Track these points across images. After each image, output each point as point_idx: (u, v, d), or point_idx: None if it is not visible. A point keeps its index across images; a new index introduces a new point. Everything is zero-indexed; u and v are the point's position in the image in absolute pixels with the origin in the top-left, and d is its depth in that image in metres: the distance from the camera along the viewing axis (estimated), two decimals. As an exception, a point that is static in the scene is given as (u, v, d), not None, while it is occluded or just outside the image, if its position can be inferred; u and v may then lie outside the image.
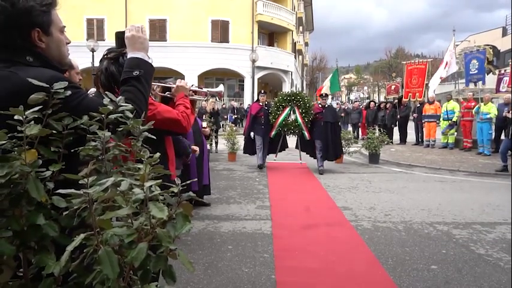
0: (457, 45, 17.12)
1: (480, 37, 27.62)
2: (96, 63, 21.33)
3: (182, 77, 24.89)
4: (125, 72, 1.53)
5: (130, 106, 1.16)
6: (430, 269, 3.68)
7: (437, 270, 3.67)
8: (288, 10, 29.71)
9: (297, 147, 9.61)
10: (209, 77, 27.29)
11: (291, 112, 8.98)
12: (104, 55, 2.11)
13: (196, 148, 4.69)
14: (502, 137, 9.92)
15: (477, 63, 13.19)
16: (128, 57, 1.59)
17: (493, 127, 11.38)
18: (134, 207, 0.70)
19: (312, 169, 9.24)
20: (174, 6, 25.31)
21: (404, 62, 18.00)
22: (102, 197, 0.73)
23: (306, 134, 8.93)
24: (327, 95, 9.72)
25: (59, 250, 0.96)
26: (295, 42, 34.29)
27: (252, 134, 9.18)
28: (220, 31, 26.23)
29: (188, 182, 1.02)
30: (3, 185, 0.87)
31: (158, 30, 25.68)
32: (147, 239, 0.70)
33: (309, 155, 9.40)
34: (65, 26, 1.43)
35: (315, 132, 8.87)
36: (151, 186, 0.72)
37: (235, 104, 23.53)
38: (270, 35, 30.08)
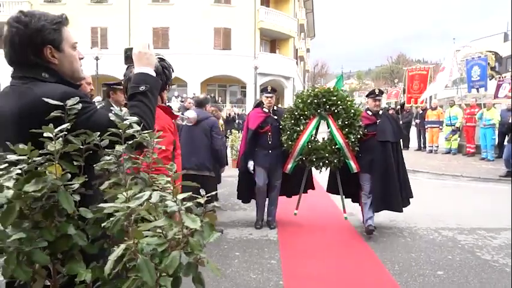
0: (459, 50, 17.17)
1: (482, 43, 27.71)
2: (100, 72, 21.16)
3: (185, 84, 25.04)
4: (132, 87, 1.57)
5: (135, 118, 1.22)
6: (436, 275, 3.71)
7: (443, 275, 3.69)
8: (290, 17, 29.92)
9: (331, 190, 5.41)
10: (212, 84, 27.47)
11: (321, 124, 5.16)
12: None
13: None
14: (505, 142, 9.92)
15: (479, 70, 13.19)
16: (135, 72, 1.64)
17: (496, 133, 11.40)
18: (168, 218, 0.76)
19: (355, 224, 5.38)
20: (177, 14, 25.53)
21: (406, 68, 18.02)
22: (139, 210, 0.79)
23: (353, 164, 4.88)
24: (381, 92, 5.22)
25: (84, 258, 1.02)
26: (296, 49, 34.46)
27: (250, 164, 5.13)
28: (223, 38, 26.43)
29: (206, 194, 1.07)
30: (38, 198, 0.93)
31: (161, 38, 25.89)
32: (179, 248, 0.76)
33: (347, 197, 5.34)
34: (76, 42, 1.51)
35: (361, 161, 4.92)
36: (183, 198, 0.78)
37: (237, 110, 23.63)
38: (272, 41, 30.26)
